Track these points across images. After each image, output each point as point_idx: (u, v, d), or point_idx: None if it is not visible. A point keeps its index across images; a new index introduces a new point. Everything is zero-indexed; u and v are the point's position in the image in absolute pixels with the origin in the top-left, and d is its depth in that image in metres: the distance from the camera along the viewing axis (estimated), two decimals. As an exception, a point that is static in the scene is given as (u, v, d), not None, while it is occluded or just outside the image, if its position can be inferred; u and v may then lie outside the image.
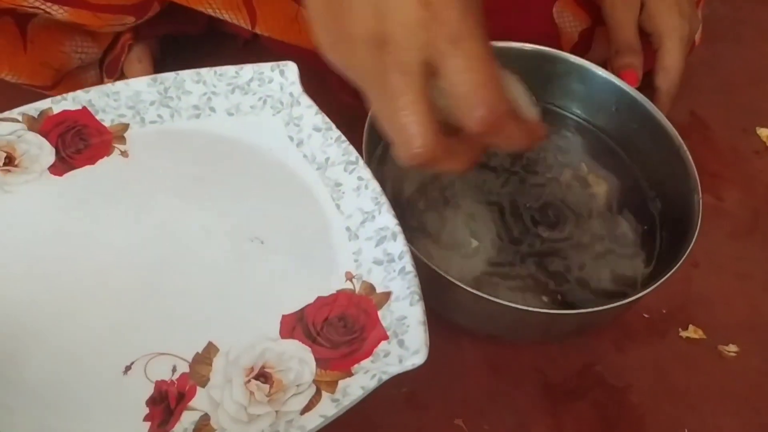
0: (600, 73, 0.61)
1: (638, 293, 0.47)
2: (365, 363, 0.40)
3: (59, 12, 0.55)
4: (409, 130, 0.35)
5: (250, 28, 0.60)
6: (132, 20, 0.60)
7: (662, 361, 0.54)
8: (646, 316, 0.56)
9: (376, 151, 0.57)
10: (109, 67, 0.65)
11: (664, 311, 0.56)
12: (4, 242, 0.45)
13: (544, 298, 0.52)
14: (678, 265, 0.47)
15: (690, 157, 0.54)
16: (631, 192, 0.59)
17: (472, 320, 0.51)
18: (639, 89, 0.60)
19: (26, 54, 0.59)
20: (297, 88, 0.53)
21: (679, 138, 0.56)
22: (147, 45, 0.66)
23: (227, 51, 0.70)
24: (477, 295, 0.46)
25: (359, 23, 0.35)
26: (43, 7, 0.55)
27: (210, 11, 0.58)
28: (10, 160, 0.48)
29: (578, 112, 0.64)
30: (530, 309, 0.46)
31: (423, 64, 0.35)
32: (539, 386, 0.52)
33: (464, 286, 0.46)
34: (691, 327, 0.56)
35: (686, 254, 0.48)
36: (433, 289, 0.47)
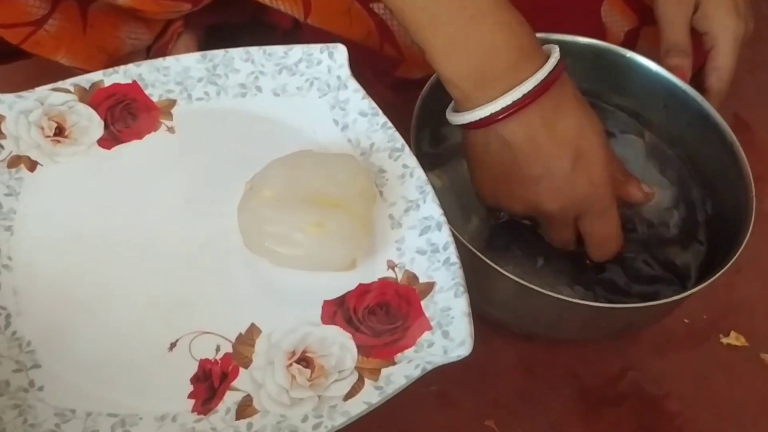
0: (651, 67, 0.60)
1: (685, 292, 0.47)
2: (408, 352, 0.41)
3: None
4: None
5: (302, 19, 0.61)
6: (188, 7, 0.61)
7: (703, 368, 0.54)
8: (686, 321, 0.56)
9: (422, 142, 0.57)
10: (155, 55, 0.67)
11: (705, 317, 0.56)
12: (53, 212, 0.46)
13: (580, 291, 0.52)
14: (730, 263, 0.47)
15: (743, 154, 0.54)
16: (678, 189, 0.59)
17: (512, 314, 0.52)
18: None
19: (85, 37, 0.60)
20: (345, 72, 0.53)
21: (732, 134, 0.55)
22: (194, 33, 0.67)
23: (267, 41, 0.70)
24: (522, 285, 0.46)
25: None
26: None
27: (267, 1, 0.59)
28: (60, 131, 0.49)
29: (626, 106, 0.64)
30: (575, 301, 0.47)
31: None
32: (574, 390, 0.52)
33: (509, 275, 0.46)
34: (732, 334, 0.56)
35: (737, 255, 0.48)
36: (475, 279, 0.48)
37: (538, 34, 0.59)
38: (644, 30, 0.66)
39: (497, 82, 0.47)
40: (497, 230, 0.56)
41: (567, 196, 0.49)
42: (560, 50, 0.56)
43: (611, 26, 0.66)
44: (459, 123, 0.50)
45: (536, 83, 0.46)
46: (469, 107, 0.48)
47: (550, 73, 0.47)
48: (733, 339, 0.55)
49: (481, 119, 0.47)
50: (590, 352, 0.54)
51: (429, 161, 0.56)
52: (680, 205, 0.59)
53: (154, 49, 0.68)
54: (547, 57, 0.48)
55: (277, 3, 0.60)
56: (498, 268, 0.47)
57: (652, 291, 0.53)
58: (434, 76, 0.56)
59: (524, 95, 0.46)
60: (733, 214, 0.53)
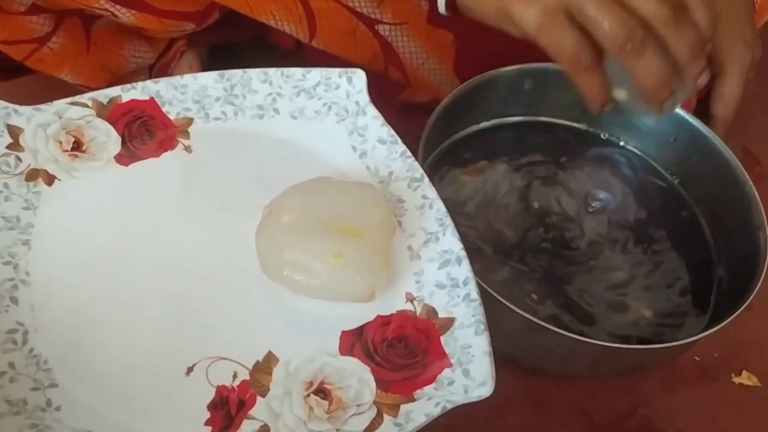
0: None
1: (700, 333, 0.48)
2: (428, 389, 0.41)
3: (126, 15, 0.57)
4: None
5: (307, 40, 0.61)
6: (192, 27, 0.61)
7: (714, 407, 0.54)
8: (697, 359, 0.56)
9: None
10: (158, 73, 0.68)
11: (716, 355, 0.57)
12: (70, 227, 0.46)
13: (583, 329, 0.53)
14: (745, 305, 0.48)
15: (756, 194, 0.55)
16: (686, 226, 0.60)
17: (521, 349, 0.52)
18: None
19: (88, 55, 0.60)
20: (364, 97, 0.53)
21: (745, 173, 0.56)
22: (197, 52, 0.68)
23: (270, 61, 0.70)
24: (534, 322, 0.47)
25: None
26: (111, 9, 0.56)
27: (272, 22, 0.60)
28: (77, 146, 0.49)
29: (633, 140, 0.65)
30: (587, 340, 0.47)
31: None
32: (583, 426, 0.52)
33: (522, 313, 0.47)
34: (744, 373, 0.56)
35: (753, 294, 0.49)
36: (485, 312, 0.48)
37: (548, 65, 0.60)
38: None
39: None
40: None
41: None
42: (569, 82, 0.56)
43: None
44: None
45: None
46: None
47: None
48: (745, 378, 0.56)
49: None
50: (599, 388, 0.54)
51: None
52: (686, 239, 0.59)
53: (157, 68, 0.69)
54: None
55: (282, 24, 0.60)
56: (508, 304, 0.47)
57: (666, 327, 0.54)
58: (441, 104, 0.56)
59: None
60: (746, 251, 0.54)
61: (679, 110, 0.60)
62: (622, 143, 0.65)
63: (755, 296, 0.49)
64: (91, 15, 0.59)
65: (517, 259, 0.57)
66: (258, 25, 0.61)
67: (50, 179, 0.47)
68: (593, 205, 0.61)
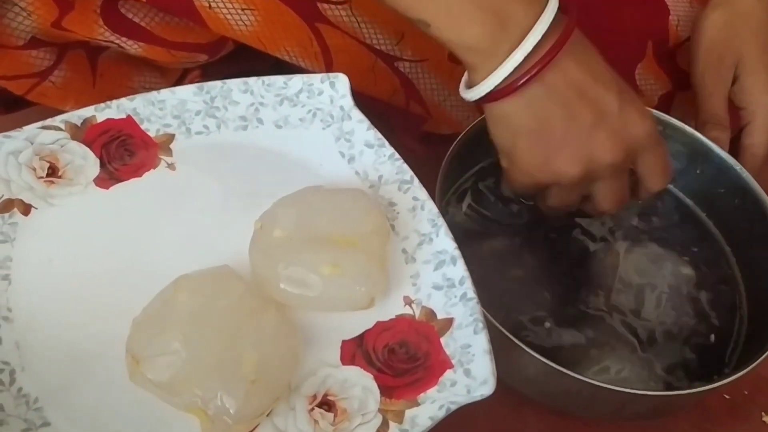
0: (687, 131, 0.60)
1: (725, 378, 0.47)
2: (432, 392, 0.41)
3: (133, 47, 0.56)
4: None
5: None
6: (204, 58, 0.60)
7: None
8: (727, 397, 0.55)
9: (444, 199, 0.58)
10: None
11: (746, 392, 0.55)
12: (51, 258, 0.45)
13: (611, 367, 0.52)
14: None
15: None
16: (712, 259, 0.59)
17: (543, 393, 0.52)
18: None
19: (94, 89, 0.59)
20: (348, 102, 0.52)
21: None
22: None
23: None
24: (553, 368, 0.46)
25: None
26: (117, 41, 0.55)
27: (286, 57, 0.59)
28: (53, 171, 0.48)
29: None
30: (608, 386, 0.46)
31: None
32: None
33: (541, 358, 0.46)
34: None
35: None
36: (502, 356, 0.47)
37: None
38: (678, 95, 0.67)
39: (518, 23, 0.44)
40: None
41: (624, 139, 0.47)
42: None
43: (645, 90, 0.66)
44: (486, 90, 0.47)
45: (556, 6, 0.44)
46: (494, 65, 0.45)
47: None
48: None
49: (514, 73, 0.45)
50: (628, 429, 0.53)
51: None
52: (712, 271, 0.58)
53: None
54: None
55: (297, 59, 0.59)
56: (525, 348, 0.46)
57: (695, 365, 0.53)
58: (463, 133, 0.56)
59: (549, 26, 0.44)
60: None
61: (706, 141, 0.59)
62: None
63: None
64: (97, 46, 0.58)
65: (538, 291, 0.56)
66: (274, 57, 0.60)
67: (26, 209, 0.46)
68: (615, 235, 0.60)
